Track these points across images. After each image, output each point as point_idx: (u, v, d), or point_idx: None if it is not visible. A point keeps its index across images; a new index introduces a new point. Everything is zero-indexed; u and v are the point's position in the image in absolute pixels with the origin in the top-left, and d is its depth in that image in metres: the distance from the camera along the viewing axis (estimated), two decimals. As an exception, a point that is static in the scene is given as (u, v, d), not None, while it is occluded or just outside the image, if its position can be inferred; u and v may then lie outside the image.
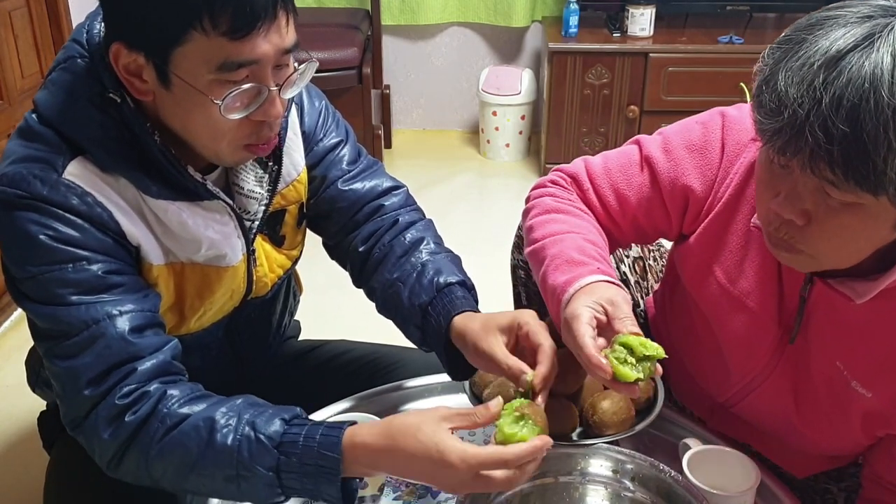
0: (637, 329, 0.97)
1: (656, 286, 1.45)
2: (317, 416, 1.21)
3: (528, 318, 1.05)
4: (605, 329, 1.00)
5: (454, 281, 1.18)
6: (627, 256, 1.48)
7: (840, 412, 1.10)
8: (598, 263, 1.08)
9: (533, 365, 1.01)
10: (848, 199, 0.86)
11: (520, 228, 1.38)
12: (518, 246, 1.42)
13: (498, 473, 0.90)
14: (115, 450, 0.99)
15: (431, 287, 1.17)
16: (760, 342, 1.13)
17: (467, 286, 1.20)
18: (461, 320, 1.11)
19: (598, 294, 1.02)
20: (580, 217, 1.19)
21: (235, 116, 0.99)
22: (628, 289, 1.37)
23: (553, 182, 1.26)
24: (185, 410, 0.98)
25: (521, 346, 1.06)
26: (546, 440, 0.93)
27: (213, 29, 0.92)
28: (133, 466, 0.99)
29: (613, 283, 1.05)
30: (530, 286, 1.42)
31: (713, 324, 1.19)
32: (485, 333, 1.06)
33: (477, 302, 1.18)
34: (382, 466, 0.96)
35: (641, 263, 1.49)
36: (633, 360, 0.95)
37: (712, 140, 1.13)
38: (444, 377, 1.31)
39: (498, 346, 1.04)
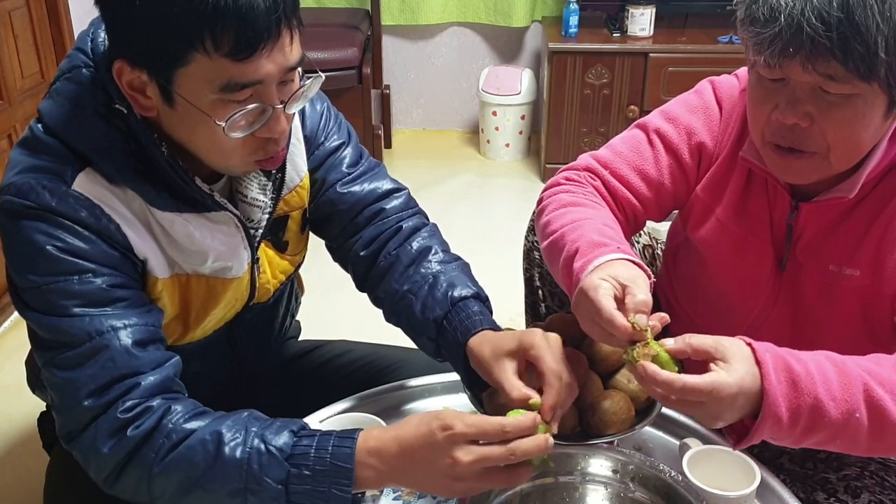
0: (647, 300, 0.97)
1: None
2: (317, 415, 1.21)
3: (534, 338, 1.02)
4: (619, 305, 0.99)
5: (468, 294, 1.17)
6: (637, 243, 1.52)
7: (839, 315, 1.15)
8: (618, 244, 1.09)
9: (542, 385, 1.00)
10: (845, 90, 0.97)
11: (534, 213, 1.39)
12: (532, 230, 1.45)
13: (496, 451, 0.90)
14: (114, 465, 0.97)
15: (446, 301, 1.16)
16: (759, 275, 1.21)
17: (481, 298, 1.19)
18: (476, 343, 1.09)
19: (615, 271, 1.01)
20: (596, 208, 1.22)
21: (239, 135, 0.98)
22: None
23: (568, 179, 1.30)
24: (190, 426, 0.97)
25: (531, 367, 1.03)
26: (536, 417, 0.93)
27: (215, 50, 0.91)
28: (132, 482, 0.98)
29: (633, 261, 1.05)
30: (545, 267, 1.44)
31: (715, 268, 1.26)
32: (495, 361, 1.04)
33: (491, 313, 1.17)
34: (392, 477, 0.95)
35: (650, 251, 1.54)
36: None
37: (709, 100, 1.26)
38: (444, 377, 1.31)
39: (506, 376, 1.02)
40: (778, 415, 0.90)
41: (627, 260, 1.05)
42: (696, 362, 0.94)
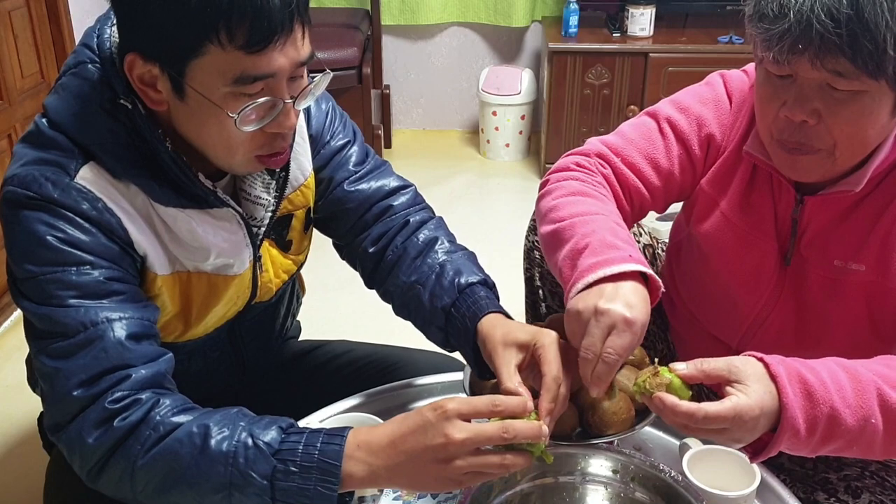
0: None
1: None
2: (317, 415, 1.21)
3: (547, 340, 1.02)
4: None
5: (475, 281, 1.17)
6: (637, 243, 1.49)
7: (844, 310, 1.15)
8: (630, 250, 1.05)
9: (540, 386, 0.99)
10: (853, 86, 0.98)
11: (534, 214, 1.37)
12: (533, 229, 1.44)
13: (489, 428, 0.90)
14: (98, 456, 0.96)
15: (453, 288, 1.17)
16: (763, 269, 1.21)
17: (488, 285, 1.19)
18: (486, 324, 1.10)
19: (619, 301, 0.96)
20: (605, 202, 1.20)
21: (250, 129, 0.99)
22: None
23: (578, 165, 1.27)
24: (178, 419, 0.96)
25: (534, 365, 1.03)
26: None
27: (229, 42, 0.92)
28: (115, 476, 0.96)
29: (643, 272, 1.01)
30: (545, 267, 1.43)
31: (719, 262, 1.26)
32: (502, 347, 1.04)
33: (498, 299, 1.17)
34: (381, 475, 0.94)
35: (651, 251, 1.53)
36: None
37: (720, 92, 1.26)
38: (444, 377, 1.32)
39: (505, 365, 1.02)
40: (796, 427, 0.89)
41: (638, 274, 1.00)
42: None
